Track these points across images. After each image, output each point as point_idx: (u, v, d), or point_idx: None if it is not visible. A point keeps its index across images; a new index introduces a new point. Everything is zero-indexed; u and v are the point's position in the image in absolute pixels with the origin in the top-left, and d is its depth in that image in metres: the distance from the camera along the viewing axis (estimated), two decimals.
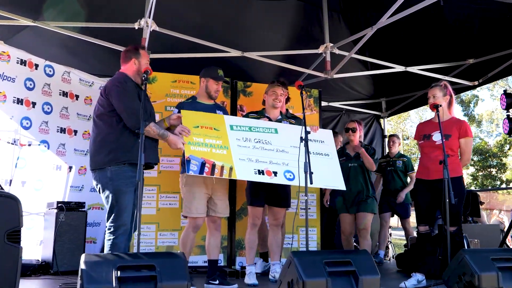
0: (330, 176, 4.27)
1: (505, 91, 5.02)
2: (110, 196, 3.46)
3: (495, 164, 22.89)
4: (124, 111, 3.46)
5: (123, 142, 3.50)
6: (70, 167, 5.67)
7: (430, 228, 4.41)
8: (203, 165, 3.73)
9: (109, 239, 3.44)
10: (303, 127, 3.72)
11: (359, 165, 5.08)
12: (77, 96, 5.83)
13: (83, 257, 2.65)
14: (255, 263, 4.60)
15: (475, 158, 22.99)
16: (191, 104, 4.12)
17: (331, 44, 5.53)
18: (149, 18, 4.73)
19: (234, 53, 5.41)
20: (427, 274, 4.24)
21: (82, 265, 2.59)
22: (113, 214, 3.45)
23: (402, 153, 6.93)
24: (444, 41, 5.85)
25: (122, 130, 3.52)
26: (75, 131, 5.77)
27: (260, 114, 4.53)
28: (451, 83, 6.11)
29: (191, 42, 5.16)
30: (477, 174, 23.54)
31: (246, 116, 4.55)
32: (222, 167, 3.78)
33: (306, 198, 3.60)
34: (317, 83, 6.21)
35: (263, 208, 4.50)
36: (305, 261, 2.98)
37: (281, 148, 4.11)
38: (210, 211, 4.05)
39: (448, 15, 5.10)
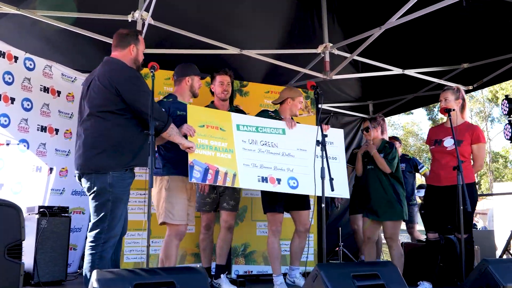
0: (335, 182, 4.01)
1: (507, 96, 4.99)
2: (107, 204, 3.08)
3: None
4: (149, 115, 3.05)
5: (133, 145, 3.16)
6: (51, 169, 5.25)
7: (440, 235, 4.30)
8: (206, 171, 3.53)
9: (95, 252, 3.04)
10: (319, 128, 3.52)
11: (377, 167, 4.52)
12: (58, 92, 5.41)
13: (94, 274, 2.35)
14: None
15: None
16: (173, 104, 3.83)
17: (331, 44, 5.35)
18: (145, 10, 4.41)
19: (232, 50, 5.14)
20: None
21: (95, 284, 2.30)
22: (104, 224, 3.06)
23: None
24: (440, 44, 5.80)
25: (133, 131, 3.17)
26: (57, 130, 5.35)
27: (276, 114, 4.34)
28: (445, 87, 6.11)
29: (187, 37, 4.87)
30: None
31: (263, 112, 4.35)
32: (226, 174, 3.60)
33: (323, 205, 3.40)
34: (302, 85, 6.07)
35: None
36: (332, 274, 2.78)
37: (287, 151, 3.95)
38: None
39: (450, 17, 5.01)
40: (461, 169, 3.81)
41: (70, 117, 5.50)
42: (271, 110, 4.42)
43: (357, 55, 5.49)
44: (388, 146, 4.51)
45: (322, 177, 3.40)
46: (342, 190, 4.08)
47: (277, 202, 4.10)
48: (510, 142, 4.99)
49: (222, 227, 4.30)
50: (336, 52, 5.40)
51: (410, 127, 32.30)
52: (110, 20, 4.66)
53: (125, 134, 3.14)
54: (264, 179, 3.70)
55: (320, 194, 3.87)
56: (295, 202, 4.20)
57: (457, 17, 5.12)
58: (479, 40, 5.56)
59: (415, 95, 6.94)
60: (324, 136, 3.45)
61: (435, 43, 5.80)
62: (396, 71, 5.85)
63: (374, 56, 5.78)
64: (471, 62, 5.93)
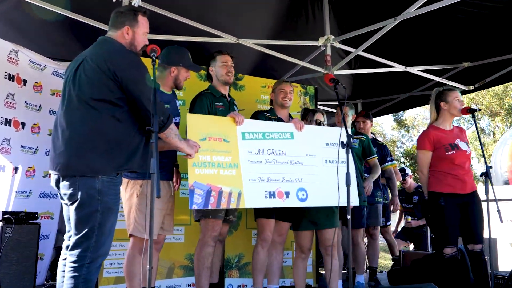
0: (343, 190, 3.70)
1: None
2: (95, 215, 2.49)
3: None
4: (152, 109, 2.51)
5: (129, 144, 2.61)
6: (16, 168, 4.57)
7: (457, 249, 3.93)
8: (208, 194, 3.13)
9: (78, 275, 2.45)
10: (342, 128, 3.10)
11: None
12: (25, 81, 4.73)
13: None
14: None
15: (407, 163, 23.71)
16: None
17: (333, 37, 4.93)
18: None
19: (228, 39, 4.62)
20: None
21: None
22: (91, 241, 2.48)
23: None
24: (441, 42, 5.50)
25: (130, 127, 2.61)
26: (23, 124, 4.67)
27: (272, 115, 3.97)
28: (445, 85, 5.82)
29: (179, 23, 4.33)
30: None
31: (258, 113, 3.98)
32: (230, 194, 3.22)
33: (348, 217, 2.96)
34: (300, 80, 5.66)
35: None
36: None
37: (296, 159, 3.59)
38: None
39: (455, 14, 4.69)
40: (490, 175, 3.47)
41: (38, 110, 4.84)
42: (266, 110, 4.04)
43: (357, 49, 5.10)
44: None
45: (348, 184, 2.96)
46: (353, 197, 3.68)
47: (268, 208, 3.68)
48: None
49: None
50: (338, 45, 4.98)
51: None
52: None
53: (121, 130, 2.58)
54: (272, 194, 3.38)
55: (331, 204, 3.60)
56: (281, 211, 3.80)
57: (463, 13, 4.80)
58: (481, 39, 5.30)
59: (409, 95, 6.65)
60: (349, 137, 3.00)
61: (436, 41, 5.50)
62: (399, 67, 5.50)
63: (373, 52, 5.41)
64: (472, 61, 5.66)
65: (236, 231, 4.56)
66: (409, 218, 6.96)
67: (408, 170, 6.89)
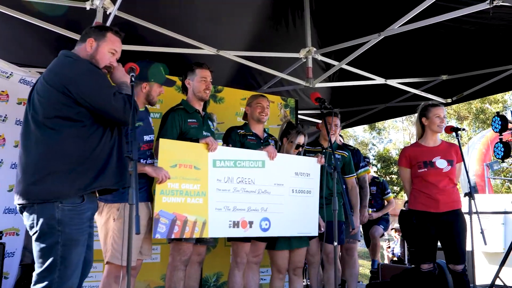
0: (305, 220, 3.77)
1: (498, 113, 4.73)
2: (55, 248, 2.30)
3: (396, 171, 24.10)
4: (109, 102, 2.37)
5: (96, 161, 2.41)
6: None
7: (434, 265, 3.93)
8: (173, 223, 3.09)
9: None
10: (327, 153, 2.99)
11: None
12: None
13: None
14: None
15: (379, 166, 24.00)
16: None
17: (314, 49, 4.83)
18: None
19: (208, 50, 4.46)
20: None
21: None
22: (54, 276, 2.29)
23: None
24: (419, 55, 5.48)
25: (94, 142, 2.41)
26: None
27: (247, 130, 3.87)
28: (423, 98, 5.83)
29: (156, 33, 4.14)
30: None
31: (233, 130, 3.87)
32: (195, 223, 3.20)
33: (335, 243, 2.86)
34: (279, 91, 5.56)
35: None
36: None
37: (264, 188, 3.59)
38: None
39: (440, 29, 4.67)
40: (474, 196, 3.44)
41: (3, 120, 4.56)
42: (239, 127, 3.94)
43: (339, 63, 5.03)
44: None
45: (335, 209, 2.86)
46: (311, 227, 3.81)
47: None
48: (502, 162, 4.75)
49: (194, 262, 3.59)
50: (319, 57, 4.89)
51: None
52: (62, 6, 3.85)
53: (83, 147, 2.39)
54: (236, 224, 3.42)
55: (291, 234, 3.69)
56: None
57: (442, 28, 4.78)
58: (460, 53, 5.30)
59: (386, 105, 6.64)
60: (336, 160, 2.90)
61: (415, 54, 5.47)
62: (379, 80, 5.45)
63: (354, 65, 5.34)
64: (451, 74, 5.67)
65: (214, 249, 4.41)
66: (370, 210, 6.98)
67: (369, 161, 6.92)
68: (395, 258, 8.87)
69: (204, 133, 3.49)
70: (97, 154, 2.42)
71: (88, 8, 3.81)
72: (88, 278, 3.86)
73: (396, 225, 9.54)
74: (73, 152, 2.36)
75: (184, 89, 3.64)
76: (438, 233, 3.84)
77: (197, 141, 3.34)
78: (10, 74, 4.65)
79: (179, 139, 3.32)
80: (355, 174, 4.43)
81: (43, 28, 4.05)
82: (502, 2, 3.31)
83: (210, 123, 3.68)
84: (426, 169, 3.88)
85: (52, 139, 2.35)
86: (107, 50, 2.59)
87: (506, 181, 19.22)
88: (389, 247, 10.16)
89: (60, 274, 2.30)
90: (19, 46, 4.72)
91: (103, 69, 2.60)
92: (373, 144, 30.40)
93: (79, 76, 2.39)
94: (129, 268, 2.28)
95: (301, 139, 3.93)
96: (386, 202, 6.52)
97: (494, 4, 3.29)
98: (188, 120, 3.43)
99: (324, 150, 4.23)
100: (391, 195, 6.52)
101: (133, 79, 2.54)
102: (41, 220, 2.30)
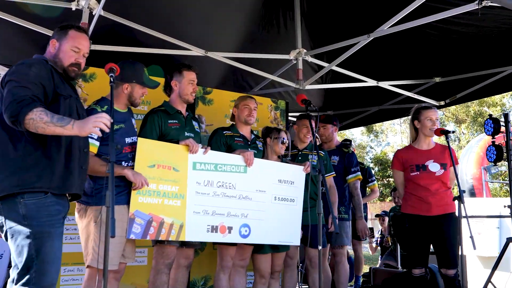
0: (286, 228, 3.71)
1: (490, 115, 4.68)
2: (28, 243, 2.28)
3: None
4: (8, 98, 2.28)
5: (39, 160, 2.36)
6: None
7: (426, 270, 3.89)
8: (148, 224, 3.04)
9: None
10: (314, 154, 2.94)
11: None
12: None
13: None
14: None
15: (376, 169, 23.94)
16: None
17: (305, 51, 4.79)
18: None
19: (196, 51, 4.41)
20: None
21: None
22: (31, 272, 2.27)
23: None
24: (412, 57, 5.42)
25: (39, 142, 2.36)
26: None
27: (234, 132, 3.82)
28: (417, 100, 5.79)
29: (144, 33, 4.10)
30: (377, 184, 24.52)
31: (217, 132, 3.81)
32: (171, 225, 3.13)
33: (319, 247, 2.81)
34: (270, 93, 5.52)
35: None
36: None
37: (245, 193, 3.53)
38: None
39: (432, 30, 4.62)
40: (463, 199, 3.39)
41: None
42: (226, 128, 3.89)
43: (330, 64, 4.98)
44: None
45: (319, 213, 2.82)
46: (293, 236, 3.74)
47: None
48: (494, 165, 4.70)
49: (181, 266, 3.51)
50: (310, 59, 4.85)
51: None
52: (48, 7, 3.81)
53: (25, 145, 2.36)
54: (214, 229, 3.35)
55: (272, 242, 3.65)
56: None
57: (435, 30, 4.74)
58: (453, 55, 5.25)
59: (380, 108, 6.60)
60: (322, 164, 2.86)
61: (407, 56, 5.42)
62: (371, 82, 5.41)
63: (346, 67, 5.29)
64: (444, 76, 5.63)
65: (202, 251, 4.35)
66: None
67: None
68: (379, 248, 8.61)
69: (187, 133, 3.43)
70: (39, 155, 2.36)
71: (74, 8, 3.77)
72: (73, 281, 3.88)
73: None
74: (11, 151, 2.34)
75: (167, 90, 3.57)
76: (430, 237, 3.80)
77: (177, 142, 3.28)
78: None
79: (160, 139, 3.27)
80: (333, 173, 4.29)
81: (31, 30, 4.01)
82: (491, 2, 3.27)
83: (195, 123, 3.62)
84: (418, 173, 3.85)
85: (3, 135, 2.36)
86: (69, 47, 2.54)
87: (505, 184, 19.15)
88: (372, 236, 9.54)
89: (37, 269, 2.28)
90: (8, 47, 4.68)
91: (70, 67, 2.54)
92: (371, 147, 30.42)
93: (9, 72, 2.37)
94: (105, 272, 2.23)
95: (283, 134, 3.91)
96: (369, 190, 6.04)
97: (483, 5, 3.25)
98: (169, 121, 3.38)
99: (300, 152, 4.22)
100: (375, 183, 6.09)
101: (112, 79, 2.49)
102: (8, 218, 2.31)
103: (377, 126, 29.20)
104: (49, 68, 2.46)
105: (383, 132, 30.75)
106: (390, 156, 25.92)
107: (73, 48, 2.54)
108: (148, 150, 3.10)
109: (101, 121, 2.27)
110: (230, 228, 3.39)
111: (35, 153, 2.35)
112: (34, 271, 2.27)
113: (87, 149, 2.63)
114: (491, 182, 15.36)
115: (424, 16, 3.88)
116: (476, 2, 3.30)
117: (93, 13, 3.74)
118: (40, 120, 2.21)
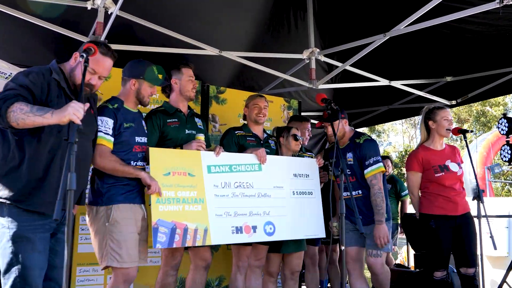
0: (310, 222, 3.70)
1: (504, 114, 4.66)
2: (7, 246, 2.31)
3: (395, 173, 24.03)
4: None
5: (12, 170, 2.38)
6: None
7: (447, 272, 3.84)
8: (173, 232, 3.01)
9: None
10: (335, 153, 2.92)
11: None
12: None
13: None
14: None
15: None
16: (118, 112, 3.02)
17: (318, 50, 4.77)
18: None
19: (210, 51, 4.39)
20: None
21: None
22: (15, 277, 2.30)
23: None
24: (424, 57, 5.42)
25: (16, 148, 2.39)
26: None
27: (246, 131, 3.81)
28: (427, 100, 5.77)
29: (160, 33, 4.07)
30: None
31: (229, 132, 3.80)
32: (196, 231, 3.11)
33: (342, 248, 2.80)
34: (282, 93, 5.49)
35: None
36: None
37: (264, 191, 3.53)
38: None
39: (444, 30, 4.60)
40: (482, 198, 3.38)
41: None
42: (238, 128, 3.88)
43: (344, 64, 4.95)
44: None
45: (342, 213, 2.80)
46: (318, 229, 3.74)
47: None
48: (508, 164, 4.68)
49: (199, 267, 3.49)
50: (323, 59, 4.83)
51: None
52: (61, 6, 3.80)
53: (13, 157, 2.42)
54: (239, 230, 3.33)
55: (298, 237, 3.64)
56: None
57: (448, 28, 4.72)
58: (465, 54, 5.23)
59: (389, 107, 6.58)
60: (344, 163, 2.84)
61: (420, 55, 5.41)
62: (383, 82, 5.39)
63: (358, 66, 5.27)
64: (455, 76, 5.61)
65: (217, 252, 4.34)
66: None
67: None
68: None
69: (187, 131, 3.42)
70: (14, 165, 2.38)
71: (89, 7, 3.75)
72: (88, 281, 3.86)
73: None
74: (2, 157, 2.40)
75: (164, 90, 3.55)
76: (453, 236, 3.76)
77: (176, 141, 3.31)
78: (10, 75, 4.58)
79: (160, 140, 3.29)
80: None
81: (42, 28, 3.98)
82: None
83: (197, 120, 3.59)
84: (443, 173, 3.80)
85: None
86: (92, 69, 2.56)
87: (507, 184, 19.13)
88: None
89: (20, 274, 2.29)
90: (18, 46, 4.65)
91: (85, 86, 2.52)
92: None
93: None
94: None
95: (294, 131, 3.92)
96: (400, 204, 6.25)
97: (504, 3, 3.22)
98: (168, 121, 3.37)
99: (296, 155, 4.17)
100: (407, 194, 6.22)
101: (82, 58, 2.38)
102: None
103: (379, 126, 29.18)
104: (47, 80, 2.46)
105: (385, 132, 30.74)
106: (393, 156, 25.91)
107: (89, 69, 2.52)
108: (161, 158, 3.10)
109: (77, 109, 2.18)
110: (254, 227, 3.38)
111: (13, 161, 2.38)
112: (18, 276, 2.29)
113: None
114: (493, 181, 15.37)
115: (441, 15, 3.85)
116: (497, 1, 3.27)
117: (109, 12, 3.71)
118: (20, 111, 2.21)
